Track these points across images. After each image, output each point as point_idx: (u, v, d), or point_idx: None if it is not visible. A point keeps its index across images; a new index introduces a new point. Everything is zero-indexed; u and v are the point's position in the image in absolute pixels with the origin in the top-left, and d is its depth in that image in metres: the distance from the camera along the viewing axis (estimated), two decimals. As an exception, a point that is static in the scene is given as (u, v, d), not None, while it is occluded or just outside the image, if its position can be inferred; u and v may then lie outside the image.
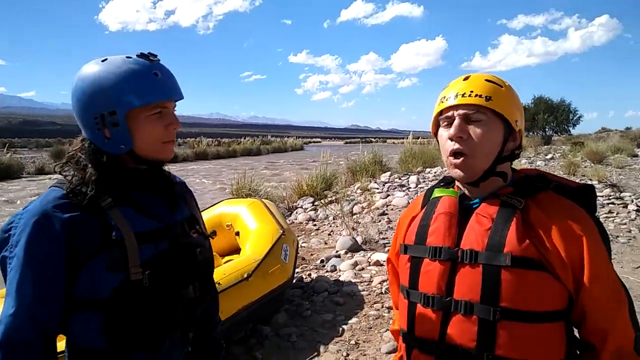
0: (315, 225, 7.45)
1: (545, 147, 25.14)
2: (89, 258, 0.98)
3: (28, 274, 0.95)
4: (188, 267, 1.12)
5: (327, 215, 7.90)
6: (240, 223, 4.11)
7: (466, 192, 1.11)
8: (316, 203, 8.99)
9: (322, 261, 5.16)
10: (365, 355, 3.06)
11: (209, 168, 22.71)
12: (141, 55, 1.04)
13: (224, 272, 3.14)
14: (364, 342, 3.24)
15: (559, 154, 18.80)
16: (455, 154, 1.03)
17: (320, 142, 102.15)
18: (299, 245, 6.07)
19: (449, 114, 1.05)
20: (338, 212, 7.51)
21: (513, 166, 1.13)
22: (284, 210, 8.82)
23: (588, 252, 0.94)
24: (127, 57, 1.03)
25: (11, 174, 17.84)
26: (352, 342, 3.23)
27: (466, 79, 1.07)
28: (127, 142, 1.02)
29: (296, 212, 8.56)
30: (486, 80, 1.05)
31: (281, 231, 3.83)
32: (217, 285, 2.99)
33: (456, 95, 1.04)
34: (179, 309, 1.09)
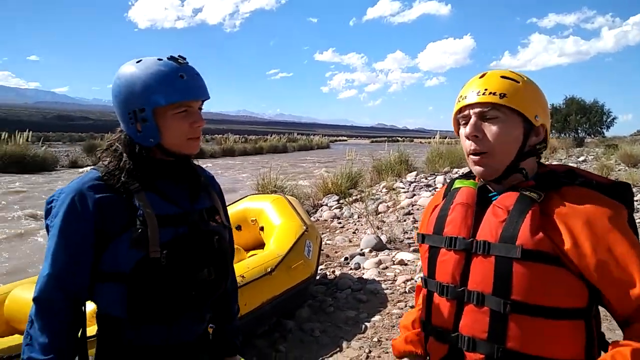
0: (340, 223, 7.46)
1: (578, 149, 24.45)
2: (115, 235, 1.08)
3: (62, 243, 1.07)
4: (204, 252, 1.19)
5: (352, 213, 7.89)
6: (265, 218, 4.16)
7: (489, 186, 1.10)
8: (341, 201, 8.99)
9: (346, 259, 5.16)
10: (387, 353, 3.04)
11: (234, 164, 22.97)
12: (171, 58, 1.13)
13: (247, 265, 3.18)
14: (386, 339, 3.23)
15: (592, 157, 18.26)
16: (475, 152, 1.04)
17: (346, 140, 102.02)
18: (324, 243, 6.11)
19: (466, 112, 1.06)
20: (363, 211, 7.49)
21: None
22: (309, 207, 8.85)
23: (614, 239, 0.92)
24: (159, 59, 1.13)
25: (46, 167, 18.59)
26: (375, 339, 3.23)
27: (482, 76, 1.07)
28: (155, 137, 1.12)
29: (321, 210, 8.58)
30: (502, 77, 1.05)
31: (304, 227, 3.86)
32: (241, 278, 3.06)
33: (471, 94, 1.04)
34: (193, 289, 1.17)
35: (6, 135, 18.81)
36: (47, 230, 1.12)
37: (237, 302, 1.48)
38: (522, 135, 1.03)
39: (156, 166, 1.17)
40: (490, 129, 1.02)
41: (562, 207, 0.96)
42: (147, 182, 1.14)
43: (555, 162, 14.95)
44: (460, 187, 1.14)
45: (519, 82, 1.04)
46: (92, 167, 1.18)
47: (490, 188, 1.10)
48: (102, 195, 1.09)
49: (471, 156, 1.05)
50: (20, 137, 18.88)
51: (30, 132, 19.80)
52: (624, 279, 0.90)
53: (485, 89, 1.03)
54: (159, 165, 1.17)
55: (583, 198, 0.96)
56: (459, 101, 1.07)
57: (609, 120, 32.36)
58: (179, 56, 1.15)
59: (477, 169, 1.06)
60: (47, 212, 1.13)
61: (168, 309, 1.14)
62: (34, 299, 1.07)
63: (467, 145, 1.06)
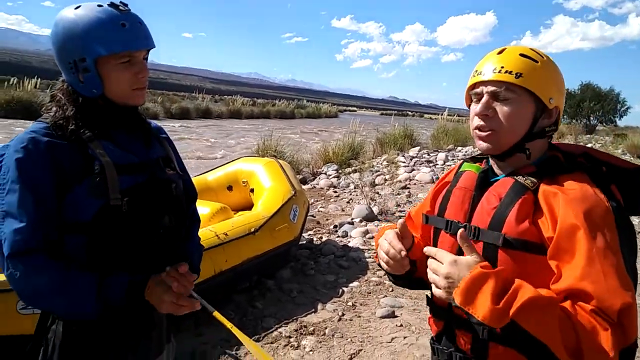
0: (335, 192, 7.54)
1: (587, 136, 24.19)
2: (72, 184, 1.06)
3: (26, 194, 1.02)
4: (164, 199, 1.20)
5: (349, 183, 7.96)
6: (256, 181, 4.24)
7: (494, 167, 1.10)
8: (340, 171, 9.06)
9: (335, 226, 5.27)
10: (360, 317, 3.17)
11: (239, 127, 22.97)
12: (111, 5, 1.09)
13: (232, 224, 3.28)
14: (360, 304, 3.35)
15: (600, 145, 18.09)
16: (481, 129, 1.03)
17: (355, 111, 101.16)
18: (317, 210, 6.21)
19: (479, 90, 1.03)
20: (359, 182, 7.56)
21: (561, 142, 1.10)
22: (308, 174, 8.93)
23: (583, 233, 0.88)
24: (99, 6, 1.08)
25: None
26: (350, 303, 3.36)
27: (501, 52, 1.04)
28: (98, 87, 1.10)
29: (319, 178, 8.65)
30: (520, 54, 1.01)
31: (293, 192, 3.94)
32: (224, 235, 3.15)
33: (487, 70, 1.01)
34: (155, 236, 1.17)
35: (15, 81, 18.84)
36: None
37: (197, 243, 1.44)
38: (532, 116, 1.01)
39: (104, 115, 1.14)
40: (502, 109, 1.00)
41: (550, 196, 0.95)
42: (100, 131, 1.12)
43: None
44: (465, 171, 1.14)
45: (537, 62, 1.00)
46: (37, 120, 1.14)
47: (495, 172, 1.09)
48: (54, 142, 1.06)
49: (477, 131, 1.04)
50: (29, 83, 18.92)
51: (39, 79, 19.81)
52: (569, 272, 0.88)
53: (502, 67, 0.99)
54: (107, 114, 1.15)
55: (573, 188, 0.94)
56: (474, 76, 1.05)
57: (623, 109, 31.87)
58: (121, 2, 1.11)
59: (481, 145, 1.04)
60: None
61: (131, 258, 1.13)
62: (9, 257, 1.00)
63: (476, 121, 1.04)
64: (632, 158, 13.16)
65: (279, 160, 4.67)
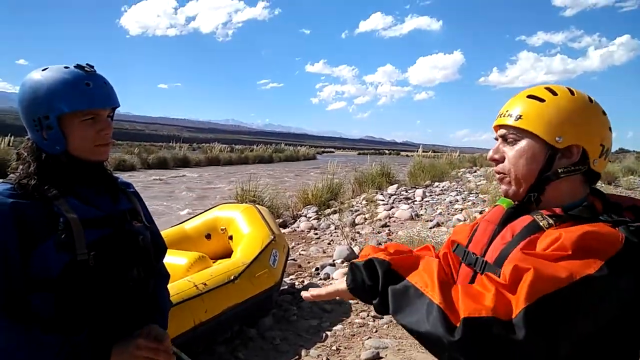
0: (316, 234, 7.52)
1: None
2: (37, 241, 1.06)
3: None
4: (131, 251, 1.21)
5: (329, 224, 7.97)
6: (234, 227, 4.22)
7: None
8: (319, 212, 9.07)
9: (316, 269, 5.23)
10: (345, 360, 3.12)
11: (218, 174, 22.95)
12: (77, 66, 1.15)
13: (211, 273, 3.24)
14: (345, 348, 3.30)
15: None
16: (497, 172, 1.05)
17: (333, 152, 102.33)
18: (298, 253, 6.17)
19: (497, 133, 1.06)
20: (339, 222, 7.58)
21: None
22: (288, 218, 8.90)
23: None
24: (65, 67, 1.14)
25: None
26: (334, 347, 3.31)
27: (516, 95, 1.05)
28: (61, 144, 1.13)
29: (299, 220, 8.64)
30: (528, 96, 1.01)
31: (272, 237, 3.93)
32: (203, 285, 3.11)
33: (498, 115, 1.05)
34: (124, 290, 1.17)
35: (-12, 139, 18.66)
36: None
37: (166, 297, 1.44)
38: (543, 157, 0.97)
39: (67, 172, 1.16)
40: (508, 152, 1.02)
41: (549, 234, 0.90)
42: (65, 188, 1.14)
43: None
44: (497, 205, 1.14)
45: (544, 100, 0.98)
46: (1, 180, 1.16)
47: (525, 209, 1.05)
48: (18, 202, 1.07)
49: (496, 175, 1.06)
50: (2, 140, 18.73)
51: (13, 137, 19.63)
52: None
53: (507, 110, 1.02)
54: (70, 170, 1.16)
55: (584, 230, 0.85)
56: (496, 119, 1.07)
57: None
58: (87, 64, 1.16)
59: (502, 189, 1.05)
60: None
61: (100, 312, 1.13)
62: None
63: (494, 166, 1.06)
64: (602, 184, 13.55)
65: (257, 205, 4.69)
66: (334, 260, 5.57)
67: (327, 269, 5.11)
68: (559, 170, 0.97)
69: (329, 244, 6.79)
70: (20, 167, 1.16)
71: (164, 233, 4.28)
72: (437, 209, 9.44)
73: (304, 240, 7.11)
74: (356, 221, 8.28)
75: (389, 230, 7.53)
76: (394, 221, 8.35)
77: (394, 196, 11.14)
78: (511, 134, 1.00)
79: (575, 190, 0.99)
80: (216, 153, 33.01)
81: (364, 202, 10.24)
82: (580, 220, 0.91)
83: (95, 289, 1.11)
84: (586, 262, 0.81)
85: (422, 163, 15.47)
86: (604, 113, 1.00)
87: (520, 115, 0.98)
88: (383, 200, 10.36)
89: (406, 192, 11.91)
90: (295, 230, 7.86)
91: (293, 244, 6.65)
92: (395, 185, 12.76)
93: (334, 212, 8.82)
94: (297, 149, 50.72)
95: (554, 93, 0.99)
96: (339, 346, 3.33)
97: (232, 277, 3.27)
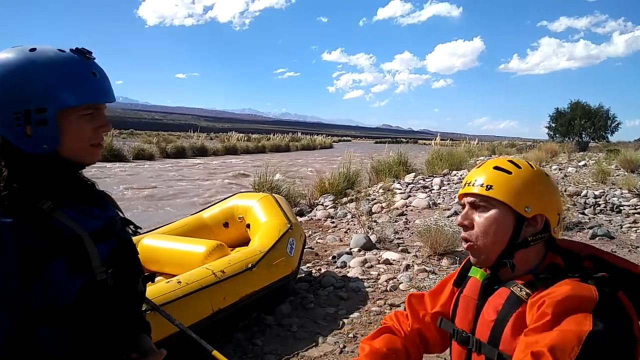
0: (333, 222, 7.54)
1: (580, 153, 24.40)
2: (43, 264, 0.88)
3: None
4: (135, 262, 1.10)
5: (346, 213, 7.98)
6: (252, 216, 4.26)
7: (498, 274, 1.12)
8: (336, 201, 9.08)
9: (333, 257, 5.26)
10: (361, 348, 3.13)
11: (235, 163, 23.10)
12: (76, 51, 0.96)
13: (229, 261, 3.28)
14: (362, 335, 3.32)
15: (593, 161, 18.24)
16: (465, 239, 1.09)
17: (350, 140, 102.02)
18: (315, 242, 6.21)
19: (462, 200, 1.12)
20: (355, 211, 7.58)
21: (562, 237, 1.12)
22: (305, 206, 8.94)
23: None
24: (60, 51, 0.95)
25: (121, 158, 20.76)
26: (351, 335, 3.33)
27: (480, 166, 1.12)
28: (53, 142, 0.93)
29: (316, 209, 8.67)
30: (494, 167, 1.07)
31: (289, 225, 3.96)
32: (221, 273, 3.16)
33: (466, 183, 1.10)
34: (134, 306, 1.08)
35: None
36: None
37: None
38: (512, 226, 1.04)
39: (53, 176, 0.97)
40: (477, 220, 1.06)
41: (535, 306, 0.95)
42: (55, 197, 0.94)
43: (555, 167, 14.76)
44: (471, 277, 1.18)
45: (510, 173, 1.05)
46: None
47: (499, 278, 1.10)
48: (12, 221, 0.86)
49: (463, 243, 1.10)
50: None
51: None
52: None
53: (476, 180, 1.07)
54: (57, 175, 0.98)
55: (564, 293, 0.92)
56: (462, 187, 1.12)
57: (613, 125, 32.26)
58: (84, 49, 0.97)
59: (471, 259, 1.11)
60: None
61: (116, 336, 1.00)
62: None
63: (462, 232, 1.11)
64: (626, 172, 13.25)
65: (274, 194, 4.71)
66: (350, 249, 5.58)
67: (344, 257, 5.13)
68: (529, 239, 1.05)
69: (345, 232, 6.80)
70: None
71: (183, 221, 4.37)
72: (454, 197, 9.37)
73: (320, 229, 7.14)
74: (373, 210, 8.27)
75: (405, 218, 7.50)
76: (411, 210, 8.31)
77: (411, 185, 11.07)
78: (481, 202, 1.06)
79: (539, 254, 1.07)
80: (233, 142, 33.25)
81: (380, 190, 10.21)
82: (552, 281, 0.97)
83: (112, 312, 0.97)
84: (578, 320, 0.87)
85: (439, 152, 15.33)
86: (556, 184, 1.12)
87: (491, 185, 1.04)
88: (400, 189, 10.31)
89: (424, 180, 11.82)
90: (312, 219, 7.89)
91: (310, 232, 6.68)
92: (413, 174, 12.67)
93: (351, 201, 8.83)
94: (313, 138, 50.68)
95: (518, 166, 1.07)
96: (356, 333, 3.35)
97: (249, 265, 3.30)
